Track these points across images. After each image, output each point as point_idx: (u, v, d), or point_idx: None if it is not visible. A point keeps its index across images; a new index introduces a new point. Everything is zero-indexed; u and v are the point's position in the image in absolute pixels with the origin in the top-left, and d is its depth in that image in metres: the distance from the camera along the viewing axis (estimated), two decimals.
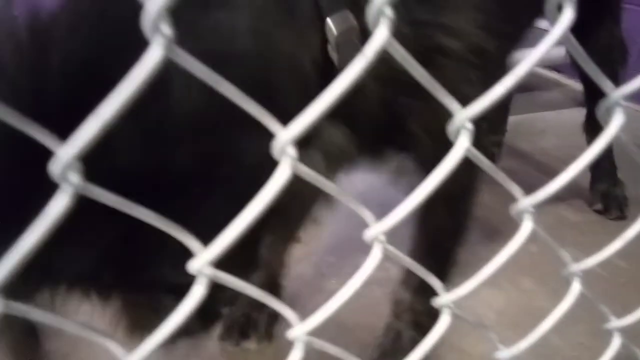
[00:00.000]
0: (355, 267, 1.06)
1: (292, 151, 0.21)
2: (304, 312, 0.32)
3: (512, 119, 1.73)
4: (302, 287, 1.06)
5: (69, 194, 0.19)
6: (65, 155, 0.19)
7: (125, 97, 0.19)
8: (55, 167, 0.19)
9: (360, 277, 0.28)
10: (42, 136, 0.20)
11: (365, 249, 1.12)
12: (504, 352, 0.33)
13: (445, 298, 0.30)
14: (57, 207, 0.19)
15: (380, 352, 0.85)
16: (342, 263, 1.13)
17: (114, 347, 0.27)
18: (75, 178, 0.19)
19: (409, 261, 0.30)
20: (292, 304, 0.28)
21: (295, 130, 0.21)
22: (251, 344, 0.87)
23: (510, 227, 1.29)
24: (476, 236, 1.20)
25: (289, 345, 0.28)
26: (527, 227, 0.31)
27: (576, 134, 1.34)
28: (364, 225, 0.45)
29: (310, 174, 0.23)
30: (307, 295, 1.05)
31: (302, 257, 1.16)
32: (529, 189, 0.39)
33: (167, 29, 0.18)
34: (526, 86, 2.05)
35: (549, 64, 1.98)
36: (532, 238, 0.41)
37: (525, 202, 0.30)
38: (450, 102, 0.23)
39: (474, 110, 0.23)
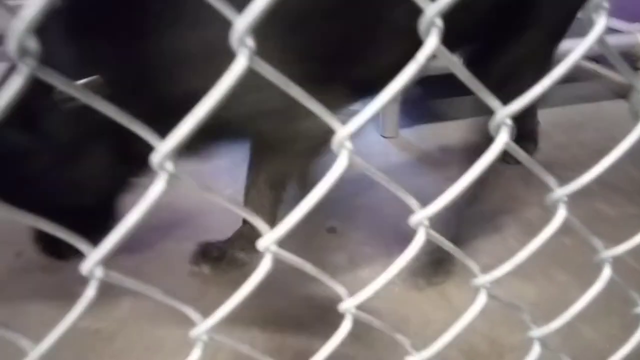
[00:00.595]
0: (389, 257, 1.08)
1: (250, 42, 0.21)
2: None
3: (550, 111, 1.71)
4: (335, 275, 1.10)
5: None
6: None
7: (215, 101, 0.23)
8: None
9: (405, 259, 0.31)
10: None
11: (399, 240, 1.14)
12: (537, 331, 0.36)
13: (482, 279, 0.33)
14: None
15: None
16: (376, 253, 1.16)
17: (192, 314, 0.30)
18: None
19: (450, 246, 0.33)
20: None
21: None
22: (206, 269, 1.05)
23: (543, 220, 1.30)
24: (509, 229, 1.22)
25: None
26: (560, 215, 0.34)
27: (615, 126, 1.32)
28: (399, 217, 0.48)
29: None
30: (341, 283, 1.09)
31: (336, 247, 1.19)
32: (565, 181, 0.40)
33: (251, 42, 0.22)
34: (565, 78, 2.02)
35: (588, 54, 1.94)
36: (566, 230, 0.43)
37: (560, 191, 0.33)
38: (491, 100, 0.26)
39: (513, 108, 0.26)
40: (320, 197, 0.26)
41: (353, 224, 1.28)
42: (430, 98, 1.94)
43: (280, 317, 0.98)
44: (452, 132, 1.66)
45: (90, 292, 0.26)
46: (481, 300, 0.33)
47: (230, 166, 1.48)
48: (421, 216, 0.29)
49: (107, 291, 0.93)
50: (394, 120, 1.67)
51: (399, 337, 0.34)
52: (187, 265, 1.09)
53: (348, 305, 0.31)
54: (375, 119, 1.75)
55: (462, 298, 1.02)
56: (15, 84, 0.19)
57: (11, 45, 0.18)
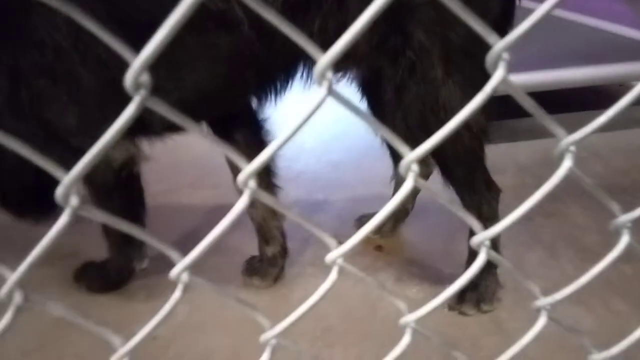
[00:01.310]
0: (438, 276, 1.08)
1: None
2: (385, 315, 0.36)
3: (608, 135, 1.66)
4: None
5: None
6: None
7: None
8: None
9: (466, 277, 0.32)
10: None
11: (447, 260, 1.14)
12: (598, 355, 0.35)
13: (543, 301, 0.33)
14: None
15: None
16: (424, 273, 1.16)
17: (262, 320, 0.32)
18: None
19: (510, 266, 0.34)
20: None
21: None
22: (256, 281, 1.14)
23: (601, 247, 1.26)
24: (566, 255, 1.18)
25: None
26: (624, 241, 0.34)
27: None
28: (447, 236, 0.48)
29: None
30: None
31: (383, 266, 1.20)
32: (625, 206, 0.40)
33: None
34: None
35: None
36: (628, 258, 0.42)
37: (624, 218, 0.33)
38: (555, 128, 0.27)
39: (577, 136, 0.27)
40: (382, 217, 0.28)
41: (399, 242, 1.28)
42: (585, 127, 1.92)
43: (336, 330, 1.00)
44: (502, 156, 1.64)
45: (177, 294, 0.29)
46: (541, 322, 0.33)
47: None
48: (483, 237, 0.31)
49: (166, 299, 0.97)
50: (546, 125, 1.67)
51: (458, 354, 0.35)
52: (239, 277, 1.14)
53: (408, 319, 0.32)
54: None
55: (514, 324, 1.00)
56: None
57: None
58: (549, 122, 0.27)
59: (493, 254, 0.31)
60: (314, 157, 1.74)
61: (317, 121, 1.89)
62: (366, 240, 1.26)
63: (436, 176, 1.57)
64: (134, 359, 0.30)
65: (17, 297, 0.25)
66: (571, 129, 0.30)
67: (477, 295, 1.04)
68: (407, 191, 0.27)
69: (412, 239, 1.29)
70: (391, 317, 1.02)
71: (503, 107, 1.81)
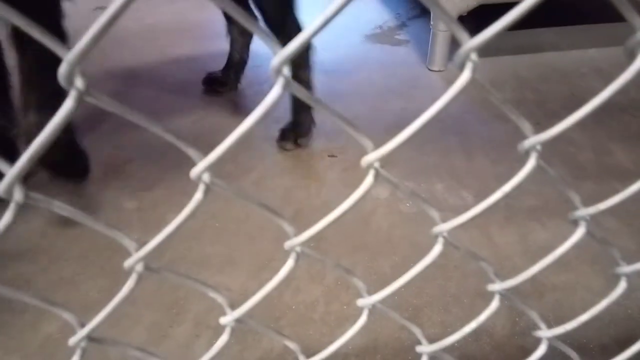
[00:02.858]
0: (432, 193, 1.07)
1: None
2: (377, 229, 0.34)
3: (611, 50, 1.61)
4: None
5: None
6: None
7: None
8: None
9: (504, 190, 0.29)
10: None
11: (442, 177, 1.11)
12: (627, 268, 0.35)
13: (583, 212, 0.31)
14: None
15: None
16: (418, 189, 1.16)
17: (286, 226, 0.30)
18: None
19: (555, 175, 0.31)
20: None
21: None
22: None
23: (596, 165, 1.26)
24: (561, 172, 1.19)
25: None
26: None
27: None
28: (444, 154, 0.43)
29: None
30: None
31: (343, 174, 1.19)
32: (625, 127, 0.37)
33: None
34: None
35: None
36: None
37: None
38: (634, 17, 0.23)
39: (544, 136, 0.23)
40: (433, 113, 0.24)
41: (396, 156, 1.27)
42: (484, 30, 1.84)
43: (330, 241, 1.01)
44: (504, 67, 1.58)
45: (198, 195, 0.26)
46: (579, 233, 0.32)
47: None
48: (535, 141, 0.28)
49: (154, 209, 0.95)
50: (442, 52, 1.59)
51: (484, 264, 0.34)
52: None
53: (442, 228, 0.30)
54: (422, 49, 1.68)
55: (505, 238, 1.02)
56: None
57: None
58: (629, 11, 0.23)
59: (542, 164, 0.28)
60: None
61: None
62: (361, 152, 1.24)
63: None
64: (148, 265, 0.28)
65: (17, 194, 0.21)
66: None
67: (295, 132, 1.25)
68: None
69: (408, 152, 1.27)
70: (383, 231, 1.03)
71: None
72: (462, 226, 0.31)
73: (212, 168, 0.25)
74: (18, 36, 0.83)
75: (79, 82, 0.21)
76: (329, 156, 1.25)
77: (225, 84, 1.47)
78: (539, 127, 0.32)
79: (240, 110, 1.44)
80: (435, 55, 1.59)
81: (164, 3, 2.08)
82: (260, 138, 1.29)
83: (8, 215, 0.22)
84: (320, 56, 1.70)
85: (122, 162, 1.22)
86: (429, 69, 1.61)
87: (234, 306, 0.34)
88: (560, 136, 0.30)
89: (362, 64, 1.65)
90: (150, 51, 1.73)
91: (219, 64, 1.49)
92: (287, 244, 0.30)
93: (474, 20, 1.60)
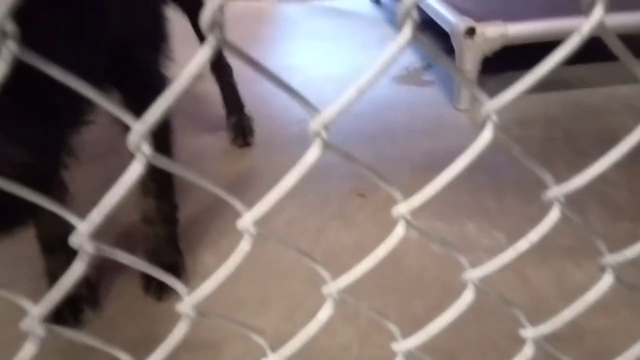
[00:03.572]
0: (463, 234, 1.06)
1: None
2: (408, 270, 0.35)
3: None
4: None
5: None
6: None
7: None
8: None
9: (538, 234, 0.31)
10: None
11: (473, 217, 1.11)
12: None
13: (610, 258, 0.32)
14: None
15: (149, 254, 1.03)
16: (449, 229, 1.16)
17: (322, 271, 0.32)
18: None
19: (580, 223, 0.32)
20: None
21: None
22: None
23: (632, 204, 1.23)
24: (595, 211, 1.17)
25: None
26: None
27: None
28: (475, 194, 0.44)
29: None
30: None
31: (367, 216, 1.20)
32: None
33: None
34: None
35: None
36: None
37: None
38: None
39: (496, 103, 0.25)
40: (459, 169, 0.27)
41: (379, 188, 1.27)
42: (511, 68, 1.86)
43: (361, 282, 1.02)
44: (533, 105, 1.59)
45: (245, 246, 0.28)
46: (607, 280, 0.32)
47: (302, 134, 1.51)
48: (557, 192, 0.29)
49: (190, 249, 0.98)
50: (469, 92, 1.61)
51: (516, 310, 0.35)
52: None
53: (472, 275, 0.32)
54: (448, 88, 1.71)
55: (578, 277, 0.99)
56: None
57: None
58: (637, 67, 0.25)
59: (567, 212, 0.30)
60: None
61: (336, 72, 1.86)
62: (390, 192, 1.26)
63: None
64: (200, 311, 0.30)
65: (88, 247, 0.24)
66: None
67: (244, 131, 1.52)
68: None
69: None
70: (415, 272, 1.03)
71: (536, 57, 1.74)
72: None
73: (258, 222, 0.28)
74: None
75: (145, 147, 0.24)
76: (358, 196, 1.27)
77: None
78: (570, 166, 0.33)
79: (270, 151, 1.48)
80: (462, 94, 1.62)
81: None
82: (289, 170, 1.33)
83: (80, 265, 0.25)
84: None
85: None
86: (456, 108, 1.63)
87: (273, 348, 0.35)
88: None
89: (389, 105, 1.69)
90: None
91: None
92: (325, 290, 0.32)
93: (499, 61, 1.63)
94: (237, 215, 0.30)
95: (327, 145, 0.26)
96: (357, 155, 0.30)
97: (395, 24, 2.38)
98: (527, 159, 0.27)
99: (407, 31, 0.22)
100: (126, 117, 0.23)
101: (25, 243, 1.10)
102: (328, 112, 0.25)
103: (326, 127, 0.26)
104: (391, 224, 0.31)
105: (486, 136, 0.25)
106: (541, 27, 1.51)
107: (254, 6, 2.82)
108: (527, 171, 1.24)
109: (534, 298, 0.96)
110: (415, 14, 0.22)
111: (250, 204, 0.29)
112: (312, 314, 0.99)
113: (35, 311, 0.27)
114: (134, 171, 0.24)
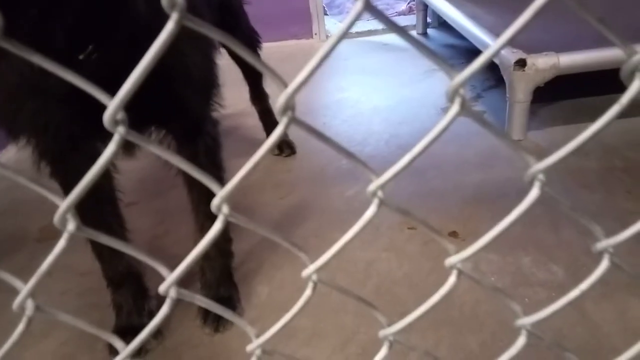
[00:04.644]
0: (518, 268, 1.06)
1: None
2: (461, 304, 0.36)
3: None
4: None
5: None
6: None
7: None
8: None
9: (589, 283, 0.32)
10: None
11: (529, 250, 1.11)
12: None
13: (604, 243, 0.32)
14: None
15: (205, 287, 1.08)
16: (503, 262, 1.14)
17: (380, 317, 0.34)
18: None
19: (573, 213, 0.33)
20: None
21: None
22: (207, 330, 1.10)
23: None
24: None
25: None
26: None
27: None
28: (526, 222, 0.46)
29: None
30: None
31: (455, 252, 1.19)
32: None
33: None
34: None
35: None
36: None
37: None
38: None
39: (545, 164, 0.26)
40: (507, 224, 0.28)
41: (475, 228, 1.27)
42: (563, 98, 1.83)
43: None
44: (592, 137, 1.55)
45: (308, 293, 0.31)
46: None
47: (351, 167, 1.55)
48: (607, 244, 0.30)
49: (245, 281, 1.03)
50: (521, 122, 1.60)
51: (568, 355, 0.36)
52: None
53: (525, 322, 0.33)
54: (500, 119, 1.70)
55: (600, 315, 0.96)
56: None
57: None
58: None
59: (617, 261, 0.31)
60: (383, 141, 1.74)
61: (384, 105, 1.89)
62: (440, 225, 1.26)
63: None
64: (266, 350, 0.33)
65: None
66: None
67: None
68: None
69: (489, 224, 1.26)
70: (468, 306, 1.02)
71: (587, 84, 1.70)
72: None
73: (319, 270, 0.31)
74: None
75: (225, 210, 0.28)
76: (408, 228, 1.28)
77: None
78: (630, 196, 0.34)
79: (320, 185, 1.52)
80: (513, 124, 1.61)
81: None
82: (341, 212, 1.36)
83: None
84: (397, 130, 1.78)
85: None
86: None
87: None
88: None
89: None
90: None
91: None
92: (382, 334, 0.34)
93: (551, 88, 1.61)
94: (288, 248, 0.33)
95: (383, 203, 0.29)
96: (406, 188, 0.32)
97: (441, 56, 2.40)
98: (575, 212, 0.29)
99: (456, 107, 0.25)
100: (213, 186, 0.27)
101: (90, 275, 1.19)
102: (384, 177, 0.28)
103: (383, 188, 0.29)
104: (442, 256, 0.33)
105: (534, 194, 0.27)
106: (593, 57, 1.48)
107: (304, 44, 2.93)
108: (584, 202, 1.22)
109: (595, 334, 0.92)
110: (463, 92, 0.25)
111: (302, 240, 0.33)
112: (363, 347, 1.00)
113: (127, 350, 0.31)
114: (215, 229, 0.28)
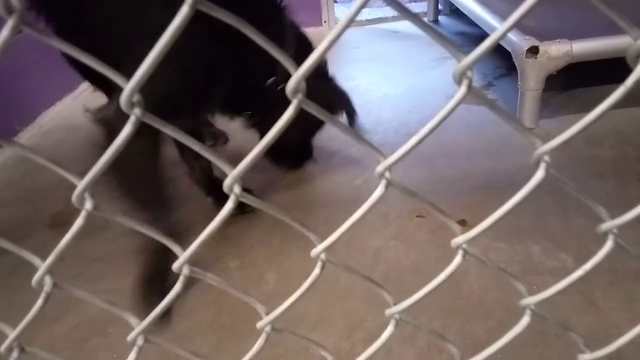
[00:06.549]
0: (527, 256, 1.06)
1: None
2: (469, 292, 0.37)
3: None
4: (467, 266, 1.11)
5: None
6: None
7: None
8: None
9: (593, 262, 0.32)
10: None
11: (538, 238, 1.11)
12: None
13: (609, 224, 0.32)
14: None
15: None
16: (512, 251, 1.14)
17: (386, 295, 0.35)
18: None
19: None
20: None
21: None
22: None
23: None
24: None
25: None
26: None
27: None
28: (535, 211, 0.46)
29: None
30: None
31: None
32: None
33: None
34: None
35: None
36: None
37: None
38: None
39: (551, 145, 0.26)
40: (514, 204, 0.29)
41: (485, 216, 1.26)
42: (575, 86, 1.81)
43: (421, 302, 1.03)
44: (600, 123, 1.52)
45: (316, 271, 0.32)
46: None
47: (360, 155, 1.55)
48: (611, 225, 0.31)
49: (254, 268, 1.04)
50: (533, 110, 1.59)
51: (573, 335, 0.36)
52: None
53: (529, 301, 0.34)
54: (511, 107, 1.68)
55: (609, 304, 0.97)
56: None
57: None
58: None
59: (621, 242, 0.31)
60: (392, 129, 1.73)
61: (393, 93, 1.88)
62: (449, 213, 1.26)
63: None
64: (275, 328, 0.34)
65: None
66: None
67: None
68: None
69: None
70: (476, 294, 1.03)
71: (601, 72, 1.68)
72: (561, 291, 0.33)
73: (327, 250, 0.32)
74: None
75: None
76: (417, 217, 1.28)
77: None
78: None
79: (330, 172, 1.53)
80: (525, 112, 1.60)
81: None
82: (349, 201, 1.36)
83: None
84: (406, 118, 1.77)
85: (224, 225, 1.35)
86: None
87: None
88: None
89: (448, 124, 1.68)
90: None
91: None
92: (388, 312, 0.35)
93: (564, 77, 1.59)
94: (297, 235, 0.34)
95: (391, 184, 0.29)
96: (415, 176, 0.33)
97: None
98: (580, 194, 0.29)
99: (463, 89, 0.25)
100: (224, 166, 0.28)
101: (101, 262, 1.21)
102: (391, 158, 0.28)
103: (390, 169, 0.29)
104: (450, 244, 0.33)
105: (539, 175, 0.27)
106: (607, 45, 1.46)
107: (313, 31, 2.92)
108: (596, 190, 1.21)
109: (602, 322, 0.93)
110: (470, 74, 0.25)
111: (314, 225, 0.33)
112: (371, 333, 1.01)
113: (141, 326, 0.32)
114: (227, 208, 0.29)
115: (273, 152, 1.37)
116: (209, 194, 1.37)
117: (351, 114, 1.35)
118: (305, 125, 1.33)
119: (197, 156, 1.30)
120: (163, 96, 1.00)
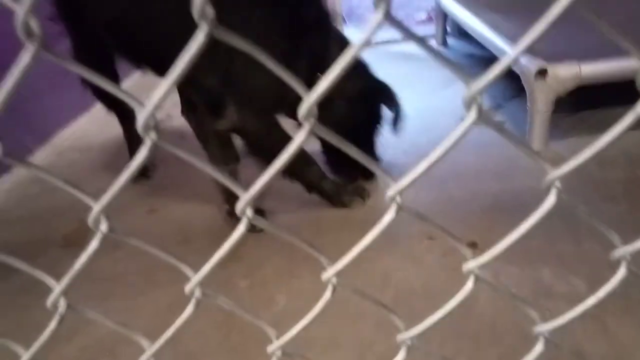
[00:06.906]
0: (538, 280, 1.05)
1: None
2: (480, 315, 0.36)
3: None
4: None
5: None
6: None
7: None
8: None
9: (605, 292, 0.32)
10: None
11: (549, 262, 1.09)
12: None
13: (622, 250, 0.32)
14: None
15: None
16: (523, 274, 1.12)
17: (398, 321, 0.35)
18: None
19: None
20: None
21: None
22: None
23: None
24: None
25: None
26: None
27: None
28: (547, 235, 0.46)
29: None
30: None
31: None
32: None
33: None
34: None
35: None
36: None
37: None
38: None
39: (562, 170, 0.26)
40: (525, 230, 0.29)
41: (495, 239, 1.25)
42: (584, 108, 1.81)
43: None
44: (610, 145, 1.52)
45: (327, 295, 0.32)
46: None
47: None
48: (624, 251, 0.31)
49: (264, 288, 1.03)
50: (543, 132, 1.58)
51: None
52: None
53: (543, 329, 0.33)
54: (520, 129, 1.68)
55: (622, 329, 0.94)
56: None
57: None
58: None
59: (634, 269, 0.31)
60: (401, 150, 1.74)
61: (403, 114, 1.87)
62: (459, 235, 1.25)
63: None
64: (286, 352, 0.34)
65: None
66: None
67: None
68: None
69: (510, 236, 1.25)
70: (487, 318, 1.01)
71: (611, 94, 1.68)
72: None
73: (338, 274, 0.32)
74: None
75: None
76: (427, 239, 1.27)
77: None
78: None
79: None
80: (534, 135, 1.59)
81: None
82: (361, 221, 1.36)
83: None
84: (416, 139, 1.77)
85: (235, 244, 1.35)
86: None
87: None
88: None
89: (458, 146, 1.69)
90: None
91: None
92: (399, 338, 0.35)
93: (573, 98, 1.59)
94: (307, 255, 0.34)
95: (401, 209, 0.29)
96: (424, 197, 0.33)
97: (461, 65, 2.40)
98: (592, 218, 0.29)
99: (473, 114, 0.26)
100: (236, 189, 0.28)
101: (112, 281, 1.21)
102: (402, 183, 0.29)
103: (401, 193, 0.30)
104: (461, 267, 0.33)
105: (551, 201, 0.28)
106: (616, 67, 1.46)
107: None
108: (608, 214, 1.19)
109: (615, 347, 0.90)
110: (480, 99, 0.25)
111: (324, 246, 0.33)
112: (381, 357, 0.99)
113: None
114: (239, 232, 0.29)
115: (334, 163, 1.47)
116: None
117: (396, 108, 1.45)
118: (359, 129, 1.44)
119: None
120: (267, 90, 1.14)
